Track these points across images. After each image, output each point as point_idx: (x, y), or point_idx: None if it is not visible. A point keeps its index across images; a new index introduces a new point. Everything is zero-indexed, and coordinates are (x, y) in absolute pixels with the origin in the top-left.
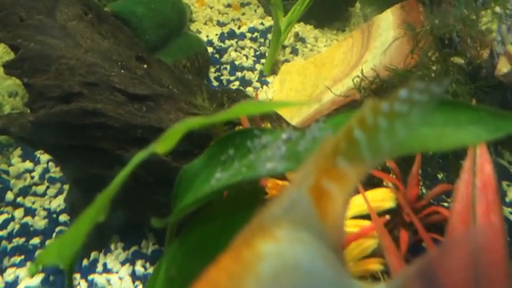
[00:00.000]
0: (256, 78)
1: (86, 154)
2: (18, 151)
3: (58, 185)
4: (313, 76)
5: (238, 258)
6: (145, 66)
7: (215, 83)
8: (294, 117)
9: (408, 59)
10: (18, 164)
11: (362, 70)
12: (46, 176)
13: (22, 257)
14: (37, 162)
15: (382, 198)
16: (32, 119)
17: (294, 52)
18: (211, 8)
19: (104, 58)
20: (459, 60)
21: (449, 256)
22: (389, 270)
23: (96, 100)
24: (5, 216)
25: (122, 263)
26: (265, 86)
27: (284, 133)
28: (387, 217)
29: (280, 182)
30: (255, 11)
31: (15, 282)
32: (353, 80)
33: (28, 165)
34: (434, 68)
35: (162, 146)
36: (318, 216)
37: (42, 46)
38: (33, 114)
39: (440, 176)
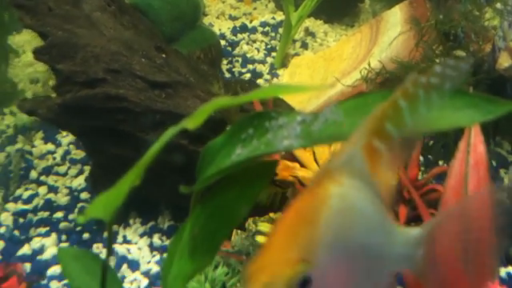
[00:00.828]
0: (267, 71)
1: (108, 136)
2: (40, 134)
3: (79, 166)
4: (322, 69)
5: (314, 194)
6: (163, 55)
7: (227, 75)
8: (304, 108)
9: (413, 52)
10: (40, 146)
11: (369, 63)
12: (67, 157)
13: (48, 228)
14: (58, 145)
15: None
16: (59, 102)
17: (304, 46)
18: (223, 2)
19: (126, 47)
20: (462, 53)
21: (441, 224)
22: None
23: (119, 86)
24: (30, 192)
25: (141, 235)
26: (275, 79)
27: (299, 115)
28: None
29: (290, 164)
30: (266, 6)
31: (41, 249)
32: (360, 71)
33: (50, 147)
34: (437, 61)
35: (192, 122)
36: (369, 170)
37: (69, 34)
38: (60, 97)
39: (441, 163)
